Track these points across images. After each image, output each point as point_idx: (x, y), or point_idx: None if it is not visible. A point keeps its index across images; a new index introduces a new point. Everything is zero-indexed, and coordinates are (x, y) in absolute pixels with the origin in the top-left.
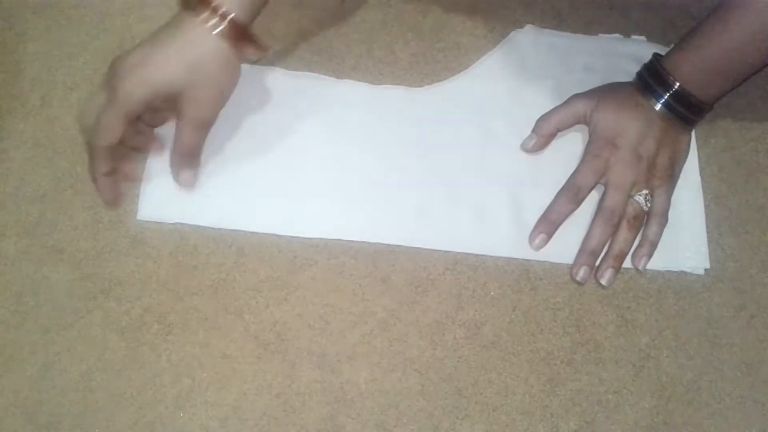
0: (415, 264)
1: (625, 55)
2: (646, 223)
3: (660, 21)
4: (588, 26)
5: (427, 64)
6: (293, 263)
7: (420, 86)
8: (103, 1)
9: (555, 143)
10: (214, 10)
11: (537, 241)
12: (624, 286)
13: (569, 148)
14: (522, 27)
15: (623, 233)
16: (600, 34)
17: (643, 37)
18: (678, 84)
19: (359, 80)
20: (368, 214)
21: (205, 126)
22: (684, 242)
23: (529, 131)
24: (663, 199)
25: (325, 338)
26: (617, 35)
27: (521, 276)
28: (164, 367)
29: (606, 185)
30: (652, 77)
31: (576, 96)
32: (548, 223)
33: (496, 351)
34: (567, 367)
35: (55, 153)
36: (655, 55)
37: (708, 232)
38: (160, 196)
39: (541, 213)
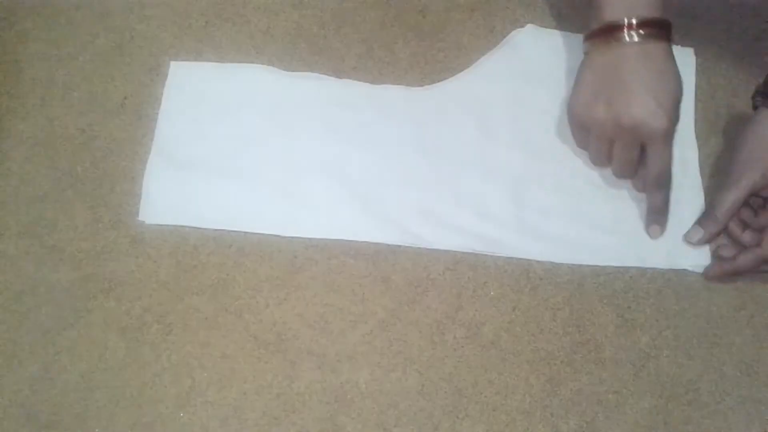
0: (415, 264)
1: None
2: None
3: None
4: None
5: (427, 64)
6: (293, 263)
7: (420, 86)
8: (103, 1)
9: (554, 143)
10: (629, 27)
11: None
12: (624, 286)
13: (569, 147)
14: (522, 27)
15: None
16: None
17: None
18: None
19: (359, 80)
20: (368, 214)
21: None
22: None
23: (528, 131)
24: None
25: (325, 338)
26: None
27: (521, 276)
28: (164, 367)
29: None
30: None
31: (742, 175)
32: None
33: (496, 351)
34: (567, 367)
35: (55, 153)
36: None
37: None
38: (161, 197)
39: (541, 212)
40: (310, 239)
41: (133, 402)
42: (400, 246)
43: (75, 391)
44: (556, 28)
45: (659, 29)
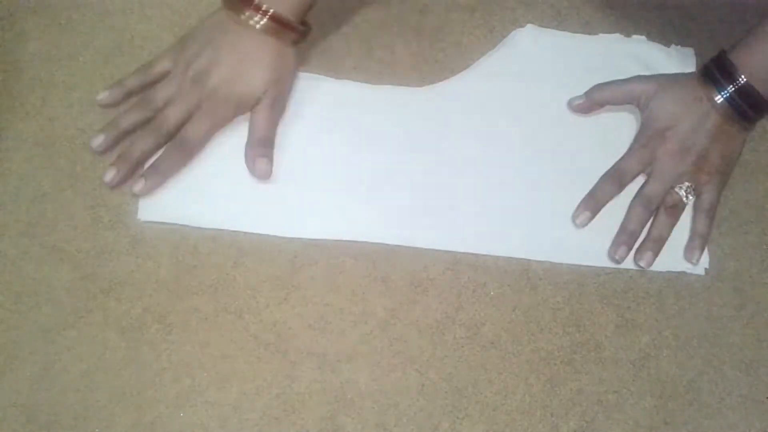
0: (415, 264)
1: (625, 54)
2: (694, 217)
3: (660, 21)
4: (588, 26)
5: (427, 64)
6: (293, 263)
7: (420, 86)
8: (103, 1)
9: (554, 143)
10: (256, 8)
11: (581, 218)
12: (624, 286)
13: (569, 147)
14: (522, 27)
15: (661, 218)
16: (600, 34)
17: (643, 37)
18: (744, 78)
19: (359, 80)
20: (368, 214)
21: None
22: (684, 243)
23: (528, 131)
24: (710, 195)
25: (325, 338)
26: (617, 35)
27: (521, 276)
28: (164, 367)
29: (649, 175)
30: (718, 69)
31: (638, 77)
32: (593, 202)
33: (496, 351)
34: (567, 367)
35: (55, 153)
36: (722, 49)
37: None
38: (161, 196)
39: (541, 212)
40: (310, 239)
41: (133, 402)
42: (400, 246)
43: (75, 391)
44: (556, 28)
45: (287, 31)
